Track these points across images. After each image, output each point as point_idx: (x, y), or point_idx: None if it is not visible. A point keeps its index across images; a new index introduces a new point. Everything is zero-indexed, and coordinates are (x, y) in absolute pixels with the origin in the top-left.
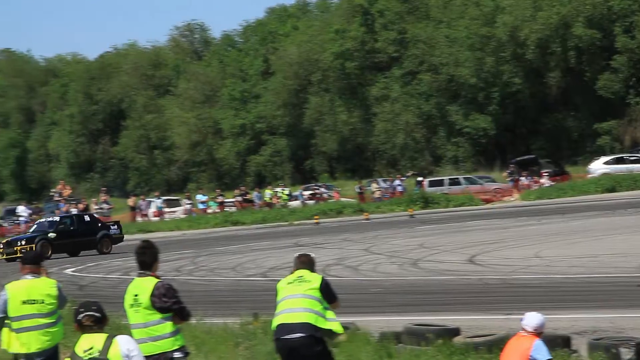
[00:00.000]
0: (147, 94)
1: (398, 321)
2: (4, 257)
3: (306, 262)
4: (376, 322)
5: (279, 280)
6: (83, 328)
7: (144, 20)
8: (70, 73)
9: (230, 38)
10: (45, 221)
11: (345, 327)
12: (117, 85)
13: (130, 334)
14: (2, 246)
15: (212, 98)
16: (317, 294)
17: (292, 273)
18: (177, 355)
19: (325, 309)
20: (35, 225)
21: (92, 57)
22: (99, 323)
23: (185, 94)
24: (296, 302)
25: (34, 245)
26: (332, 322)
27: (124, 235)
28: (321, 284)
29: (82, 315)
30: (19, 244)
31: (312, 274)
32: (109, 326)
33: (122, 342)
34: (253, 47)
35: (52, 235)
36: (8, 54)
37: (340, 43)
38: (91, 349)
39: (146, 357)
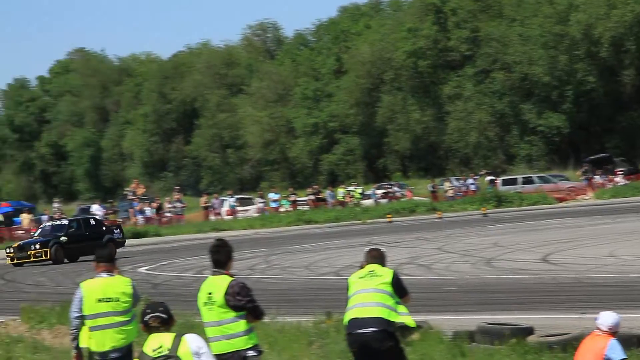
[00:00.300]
0: (220, 93)
1: (471, 320)
2: (14, 261)
3: (377, 257)
4: (449, 321)
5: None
6: (150, 329)
7: (217, 19)
8: (144, 72)
9: (302, 37)
10: (48, 225)
11: (419, 325)
12: (190, 85)
13: (203, 332)
14: (12, 250)
15: (285, 97)
16: (389, 288)
17: (361, 268)
18: (250, 353)
19: (397, 303)
20: (40, 230)
21: (166, 57)
22: (165, 324)
23: (258, 93)
24: (368, 296)
25: (48, 249)
26: (404, 316)
27: (126, 240)
28: (393, 278)
29: (149, 316)
30: (33, 248)
31: (383, 268)
32: (183, 324)
33: (191, 340)
34: (325, 45)
35: (63, 239)
36: (83, 53)
37: (413, 41)
38: (160, 347)
39: (220, 355)
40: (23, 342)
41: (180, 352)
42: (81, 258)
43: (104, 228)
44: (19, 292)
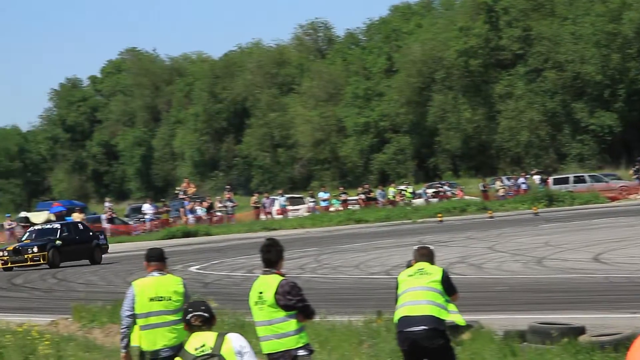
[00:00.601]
0: (271, 92)
1: (522, 319)
2: (6, 265)
3: (426, 255)
4: (500, 321)
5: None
6: (191, 328)
7: (269, 18)
8: (195, 72)
9: (353, 36)
10: (37, 229)
11: (469, 325)
12: (241, 84)
13: (254, 331)
14: (6, 254)
15: (336, 96)
16: (439, 286)
17: (409, 266)
18: (301, 352)
19: (447, 301)
20: (28, 233)
21: (217, 56)
22: (207, 323)
23: (308, 92)
24: (418, 294)
25: (46, 252)
26: (454, 314)
27: (109, 246)
28: (443, 276)
29: (191, 315)
30: (30, 251)
31: (433, 266)
32: (234, 323)
33: (234, 339)
34: (377, 45)
35: (58, 242)
36: (134, 53)
37: (464, 40)
38: (203, 346)
39: (270, 354)
40: (74, 341)
41: (223, 351)
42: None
43: (90, 233)
44: (70, 291)
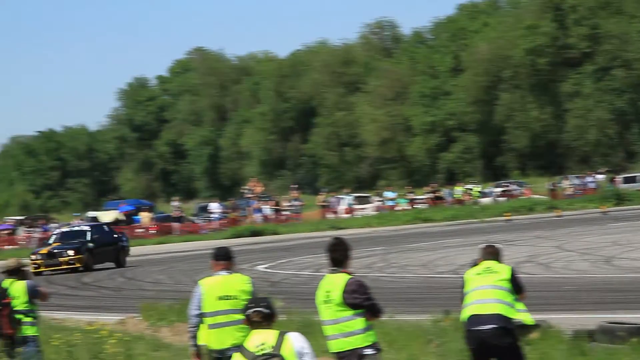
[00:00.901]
0: (338, 91)
1: (591, 319)
2: (38, 269)
3: (493, 253)
4: (569, 320)
5: None
6: (252, 324)
7: (335, 18)
8: (262, 71)
9: (420, 35)
10: (64, 232)
11: (537, 324)
12: (308, 83)
13: (321, 331)
14: (39, 257)
15: (402, 95)
16: (507, 284)
17: (474, 264)
18: (368, 351)
19: (515, 300)
20: (54, 236)
21: (284, 55)
22: (267, 319)
23: (375, 91)
24: (486, 293)
25: (82, 255)
26: (523, 313)
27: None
28: (511, 275)
29: (251, 310)
30: (65, 254)
31: (500, 264)
32: (301, 322)
33: (295, 339)
34: (443, 43)
35: (91, 245)
36: (201, 53)
37: (532, 39)
38: (263, 344)
39: (338, 353)
40: (143, 339)
41: (284, 351)
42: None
43: (115, 235)
44: (139, 290)
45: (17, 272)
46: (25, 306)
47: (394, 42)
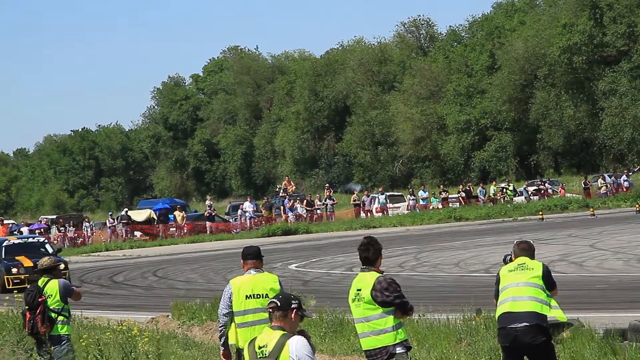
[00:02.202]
0: (372, 90)
1: (623, 318)
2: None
3: (526, 249)
4: (601, 319)
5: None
6: (270, 315)
7: (370, 16)
8: (296, 70)
9: (456, 33)
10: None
11: (570, 322)
12: (342, 82)
13: (353, 329)
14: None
15: (437, 93)
16: (540, 281)
17: (506, 261)
18: (399, 349)
19: (548, 296)
20: None
21: (319, 54)
22: (278, 310)
23: (410, 90)
24: (520, 290)
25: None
26: (556, 309)
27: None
28: (544, 272)
29: (269, 303)
30: None
31: (533, 261)
32: (332, 321)
33: (294, 346)
34: (479, 42)
35: None
36: (236, 52)
37: (568, 37)
38: (264, 347)
39: (368, 350)
40: (174, 338)
41: (281, 358)
42: None
43: None
44: (170, 289)
45: (51, 271)
46: (58, 305)
47: (429, 41)
